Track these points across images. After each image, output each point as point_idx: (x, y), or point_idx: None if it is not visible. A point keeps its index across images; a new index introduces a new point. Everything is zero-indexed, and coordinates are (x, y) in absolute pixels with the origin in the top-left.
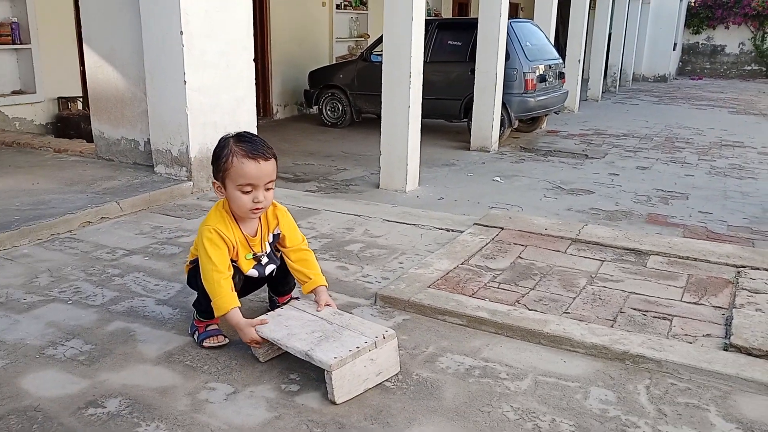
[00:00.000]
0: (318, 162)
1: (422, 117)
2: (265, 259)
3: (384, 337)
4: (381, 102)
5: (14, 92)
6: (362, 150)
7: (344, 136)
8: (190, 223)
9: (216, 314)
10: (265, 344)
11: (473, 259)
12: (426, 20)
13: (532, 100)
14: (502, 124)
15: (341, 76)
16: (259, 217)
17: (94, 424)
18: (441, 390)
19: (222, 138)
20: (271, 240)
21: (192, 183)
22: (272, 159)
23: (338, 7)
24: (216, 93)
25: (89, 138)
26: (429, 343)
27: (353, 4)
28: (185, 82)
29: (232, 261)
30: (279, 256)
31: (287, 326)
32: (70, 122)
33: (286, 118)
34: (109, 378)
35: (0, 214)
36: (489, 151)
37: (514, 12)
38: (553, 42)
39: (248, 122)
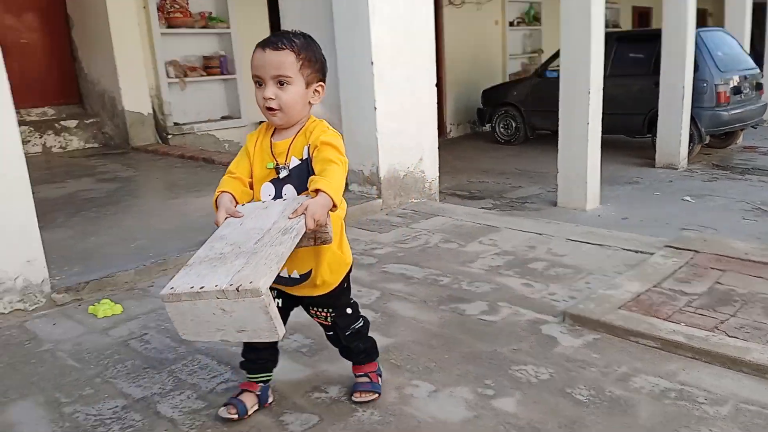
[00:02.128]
0: (492, 179)
1: (602, 132)
2: (284, 173)
3: (238, 291)
4: (556, 118)
5: (223, 117)
6: (537, 167)
7: (518, 153)
8: (382, 237)
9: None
10: None
11: (666, 282)
12: (605, 33)
13: (726, 113)
14: (691, 140)
15: (515, 93)
16: (299, 130)
17: (320, 405)
18: (635, 408)
19: None
20: (304, 157)
21: (381, 200)
22: (286, 50)
23: (511, 24)
24: (402, 117)
25: None
26: (621, 363)
27: (526, 21)
28: (375, 108)
29: (250, 186)
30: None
31: (222, 236)
32: None
33: (459, 137)
34: (328, 369)
35: None
36: (677, 169)
37: (701, 20)
38: (748, 50)
39: (431, 144)
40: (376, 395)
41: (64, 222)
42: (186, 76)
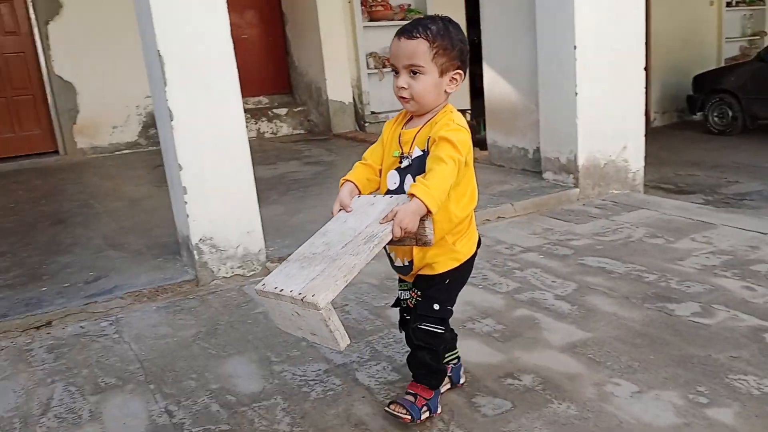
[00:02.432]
0: (703, 173)
1: None
2: (405, 163)
3: (303, 301)
4: None
5: None
6: (758, 161)
7: (734, 144)
8: (579, 228)
9: None
10: None
11: None
12: None
13: None
14: None
15: (732, 79)
16: (428, 120)
17: (513, 392)
18: None
19: None
20: (426, 149)
21: (578, 190)
22: (419, 38)
23: (729, 4)
24: (604, 103)
25: (481, 146)
26: None
27: (746, 1)
28: (576, 93)
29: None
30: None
31: (326, 232)
32: None
33: (664, 126)
34: (522, 356)
35: None
36: None
37: None
38: None
39: (636, 131)
40: (409, 418)
41: (276, 200)
42: (384, 66)
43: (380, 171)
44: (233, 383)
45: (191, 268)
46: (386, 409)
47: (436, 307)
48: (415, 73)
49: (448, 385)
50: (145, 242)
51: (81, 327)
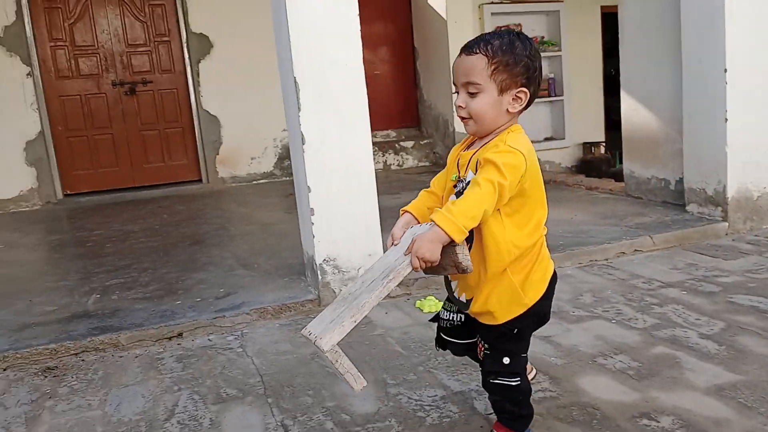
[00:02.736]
0: None
1: None
2: (459, 187)
3: (315, 344)
4: None
5: (546, 138)
6: None
7: None
8: (728, 264)
9: None
10: None
11: None
12: None
13: None
14: None
15: None
16: (487, 142)
17: None
18: None
19: None
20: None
21: (727, 224)
22: (478, 54)
23: None
24: (758, 130)
25: (616, 179)
26: None
27: None
28: (726, 119)
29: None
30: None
31: (372, 268)
32: (592, 165)
33: None
34: (659, 396)
35: (549, 238)
36: None
37: None
38: None
39: None
40: None
41: None
42: None
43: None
44: (348, 402)
45: (314, 288)
46: None
47: (506, 361)
48: (473, 91)
49: None
50: (273, 263)
51: (209, 339)
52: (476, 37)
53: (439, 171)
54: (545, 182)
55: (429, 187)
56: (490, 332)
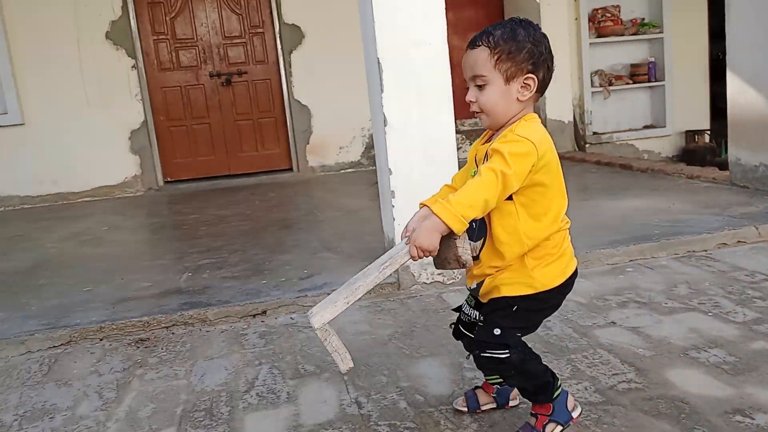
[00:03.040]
0: None
1: None
2: None
3: (309, 321)
4: None
5: (645, 126)
6: None
7: None
8: None
9: None
10: None
11: None
12: None
13: None
14: None
15: None
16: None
17: (742, 431)
18: None
19: None
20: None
21: None
22: (481, 46)
23: None
24: None
25: (722, 168)
26: None
27: None
28: None
29: None
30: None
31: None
32: (695, 154)
33: None
34: (756, 393)
35: (642, 228)
36: None
37: None
38: None
39: None
40: None
41: None
42: (610, 84)
43: None
44: (423, 384)
45: (394, 272)
46: None
47: (497, 332)
48: (480, 84)
49: (492, 405)
50: (356, 247)
51: (291, 318)
52: (480, 31)
53: None
54: (642, 171)
55: (450, 182)
56: (491, 305)
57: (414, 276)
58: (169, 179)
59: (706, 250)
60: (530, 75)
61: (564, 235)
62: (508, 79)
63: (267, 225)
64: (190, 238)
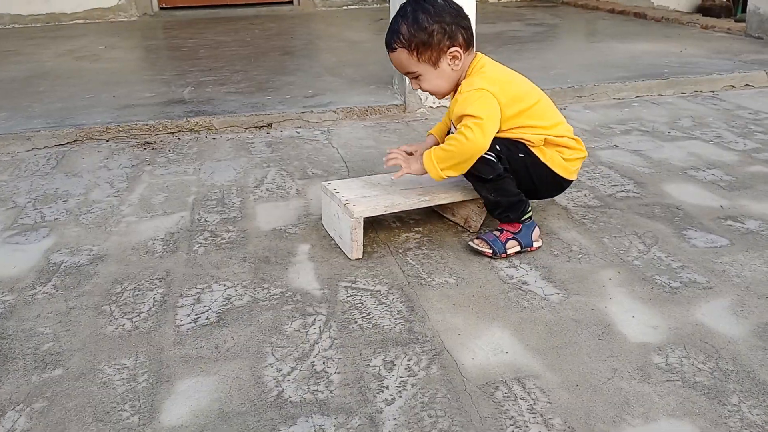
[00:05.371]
0: None
1: None
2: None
3: (345, 206)
4: None
5: None
6: None
7: None
8: None
9: None
10: None
11: None
12: None
13: None
14: None
15: None
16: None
17: (732, 232)
18: None
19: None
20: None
21: None
22: (398, 49)
23: None
24: None
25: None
26: None
27: None
28: None
29: None
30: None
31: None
32: (711, 13)
33: None
34: (749, 205)
35: (651, 67)
36: None
37: None
38: None
39: None
40: (490, 251)
41: (491, 50)
42: None
43: None
44: None
45: (401, 95)
46: (470, 243)
47: (497, 147)
48: (415, 77)
49: (518, 248)
50: (360, 73)
51: (296, 132)
52: (388, 28)
53: (542, 5)
54: (656, 20)
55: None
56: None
57: (420, 99)
58: (164, 5)
59: (713, 91)
60: (452, 48)
61: (573, 154)
62: (435, 64)
63: (268, 51)
64: (189, 59)
